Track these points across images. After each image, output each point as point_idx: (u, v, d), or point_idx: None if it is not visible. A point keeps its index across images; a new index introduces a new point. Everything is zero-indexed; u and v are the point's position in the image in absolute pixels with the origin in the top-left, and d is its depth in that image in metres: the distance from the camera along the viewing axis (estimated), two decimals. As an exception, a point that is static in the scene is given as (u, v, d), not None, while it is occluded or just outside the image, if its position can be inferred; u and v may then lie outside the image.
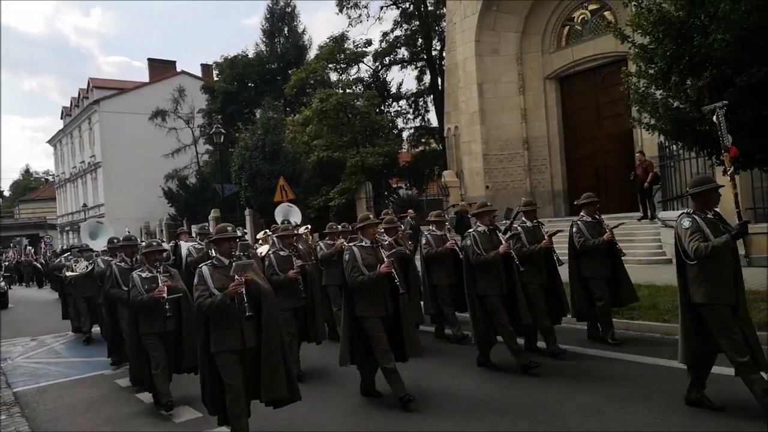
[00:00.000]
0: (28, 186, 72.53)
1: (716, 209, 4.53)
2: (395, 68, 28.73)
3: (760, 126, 6.36)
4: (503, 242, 5.99)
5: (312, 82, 25.31)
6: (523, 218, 6.76)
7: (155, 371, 5.59)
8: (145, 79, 45.02)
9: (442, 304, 7.58)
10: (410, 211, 15.35)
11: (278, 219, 11.39)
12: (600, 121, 17.75)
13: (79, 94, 45.50)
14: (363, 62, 26.81)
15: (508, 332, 5.88)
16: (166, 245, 8.06)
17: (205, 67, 42.28)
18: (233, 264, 4.33)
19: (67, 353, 9.61)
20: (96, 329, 9.99)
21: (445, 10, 21.90)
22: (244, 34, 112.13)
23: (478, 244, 5.98)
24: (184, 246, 9.23)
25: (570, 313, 6.93)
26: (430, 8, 26.79)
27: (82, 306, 10.16)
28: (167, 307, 5.35)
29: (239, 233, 5.43)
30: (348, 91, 24.02)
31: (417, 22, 27.02)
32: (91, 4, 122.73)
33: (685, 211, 4.57)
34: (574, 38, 17.97)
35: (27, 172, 79.46)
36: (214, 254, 8.13)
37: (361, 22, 27.75)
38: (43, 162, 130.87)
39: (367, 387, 5.53)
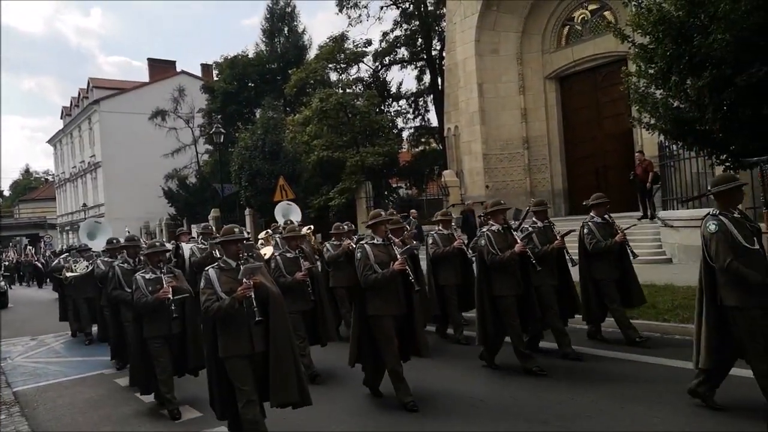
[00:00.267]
0: (28, 186, 72.56)
1: (740, 207, 4.39)
2: (395, 68, 28.76)
3: (761, 125, 6.37)
4: (518, 241, 5.85)
5: (312, 81, 25.30)
6: (534, 218, 6.64)
7: (161, 377, 5.47)
8: (145, 79, 45.03)
9: (449, 306, 7.52)
10: (413, 210, 15.33)
11: (278, 218, 11.29)
12: (600, 120, 17.75)
13: (79, 94, 45.50)
14: (363, 62, 26.83)
15: (518, 335, 5.83)
16: (168, 246, 7.97)
17: (205, 67, 42.28)
18: (241, 267, 4.21)
19: (66, 353, 9.61)
20: (94, 329, 9.91)
21: (445, 10, 21.89)
22: (244, 34, 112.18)
23: (493, 244, 5.83)
24: (186, 247, 9.10)
25: (581, 314, 6.84)
26: (430, 8, 26.78)
27: (83, 307, 10.07)
28: (173, 308, 5.21)
29: (246, 234, 5.40)
30: (348, 90, 24.01)
31: (417, 22, 27.01)
32: (91, 4, 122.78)
33: (711, 212, 4.40)
34: (574, 38, 17.97)
35: (27, 172, 79.53)
36: (218, 254, 8.16)
37: (361, 22, 27.77)
38: (42, 162, 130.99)
39: (372, 384, 5.47)
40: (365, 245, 5.25)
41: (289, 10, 31.07)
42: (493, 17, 18.53)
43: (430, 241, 7.71)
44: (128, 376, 6.17)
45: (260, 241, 9.13)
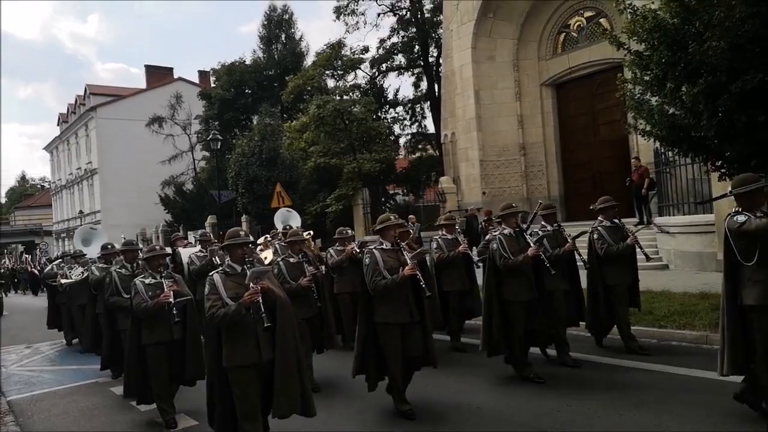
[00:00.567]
0: (24, 193, 72.33)
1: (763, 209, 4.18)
2: (392, 75, 28.84)
3: (755, 132, 6.39)
4: (531, 245, 5.68)
5: (309, 88, 25.35)
6: (543, 222, 6.50)
7: (156, 386, 5.32)
8: (142, 85, 45.06)
9: (452, 312, 7.41)
10: (411, 216, 15.33)
11: (277, 224, 11.21)
12: (596, 127, 17.83)
13: (75, 101, 45.50)
14: (360, 69, 26.88)
15: (522, 343, 5.76)
16: (168, 250, 7.84)
17: (203, 74, 42.33)
18: (249, 271, 4.05)
19: (61, 361, 9.54)
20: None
21: (441, 17, 22.00)
22: (241, 41, 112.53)
23: (505, 248, 5.69)
24: (184, 252, 8.93)
25: (585, 322, 6.69)
26: (426, 15, 26.91)
27: (77, 315, 9.79)
28: (175, 311, 5.04)
29: (252, 238, 5.29)
30: (345, 97, 24.04)
31: (414, 29, 27.13)
32: (88, 10, 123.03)
33: (735, 210, 4.21)
34: (570, 45, 18.06)
35: (23, 179, 79.31)
36: (217, 261, 8.08)
37: (358, 29, 27.94)
38: (39, 169, 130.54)
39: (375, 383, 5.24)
40: (374, 250, 5.06)
41: (286, 17, 31.21)
42: (490, 24, 18.63)
43: (435, 245, 7.54)
44: (123, 384, 5.94)
45: (259, 247, 9.03)
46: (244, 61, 30.30)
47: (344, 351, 7.01)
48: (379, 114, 26.89)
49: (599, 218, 6.65)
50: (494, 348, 5.83)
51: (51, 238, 50.66)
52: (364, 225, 20.31)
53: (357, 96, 25.13)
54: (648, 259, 6.60)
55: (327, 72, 25.71)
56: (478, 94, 18.74)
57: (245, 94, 29.90)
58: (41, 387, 7.59)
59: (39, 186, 73.65)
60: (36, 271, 26.93)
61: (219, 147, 22.64)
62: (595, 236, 6.52)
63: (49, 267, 13.03)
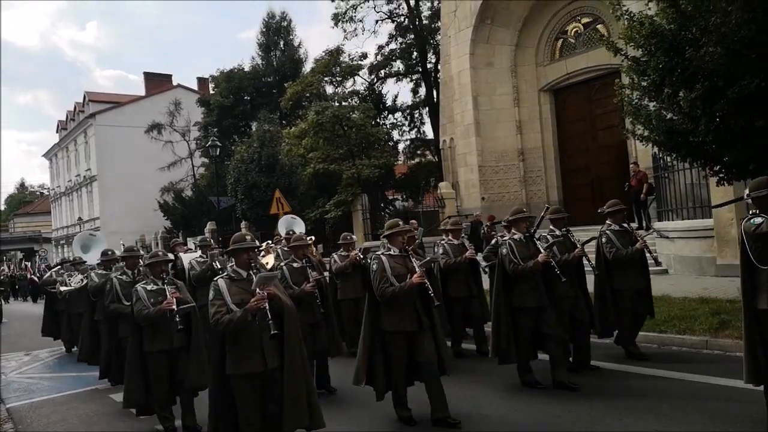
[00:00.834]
0: (23, 200, 72.28)
1: None
2: (390, 81, 28.97)
3: (753, 137, 6.42)
4: (542, 251, 5.57)
5: (308, 95, 25.44)
6: (551, 226, 6.34)
7: (158, 393, 5.24)
8: (141, 92, 45.18)
9: (455, 319, 7.31)
10: (413, 221, 15.34)
11: (281, 231, 11.15)
12: (594, 132, 17.88)
13: (74, 108, 45.56)
14: (358, 75, 27.00)
15: (529, 349, 5.71)
16: (171, 256, 7.73)
17: (202, 81, 42.45)
18: (256, 276, 3.93)
19: (61, 368, 9.51)
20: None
21: (439, 23, 22.09)
22: (240, 48, 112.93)
23: (515, 253, 5.57)
24: (185, 258, 8.81)
25: (594, 331, 6.44)
26: (424, 22, 27.06)
27: (76, 322, 9.55)
28: (177, 319, 4.90)
29: (258, 243, 5.07)
30: (344, 103, 24.14)
31: (412, 36, 27.26)
32: (87, 18, 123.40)
33: (752, 212, 4.16)
34: (568, 51, 18.15)
35: (22, 186, 79.31)
36: (217, 266, 8.05)
37: (356, 35, 28.22)
38: (38, 176, 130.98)
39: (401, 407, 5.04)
40: (381, 256, 4.93)
41: (285, 24, 31.39)
42: (487, 31, 18.71)
43: (441, 251, 7.39)
44: (123, 393, 5.75)
45: (261, 252, 9.00)
46: (243, 68, 30.42)
47: (350, 358, 6.97)
48: (378, 120, 26.96)
49: (607, 222, 6.51)
50: (504, 355, 5.69)
51: (50, 245, 50.60)
52: (363, 231, 20.32)
53: (356, 102, 25.23)
54: (657, 264, 6.45)
55: (326, 78, 25.81)
56: (477, 100, 18.80)
57: (244, 100, 30.00)
58: (40, 394, 7.58)
59: (38, 193, 73.64)
60: (35, 278, 26.91)
61: (218, 153, 22.65)
62: (603, 240, 6.41)
63: (48, 274, 12.92)
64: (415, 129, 29.23)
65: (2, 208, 72.74)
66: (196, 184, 31.95)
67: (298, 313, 5.01)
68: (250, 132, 28.07)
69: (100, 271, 8.16)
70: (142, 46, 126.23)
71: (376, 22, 27.86)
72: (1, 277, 30.22)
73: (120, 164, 38.64)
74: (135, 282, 5.85)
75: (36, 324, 14.54)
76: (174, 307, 4.95)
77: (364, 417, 5.32)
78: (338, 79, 26.22)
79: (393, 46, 27.82)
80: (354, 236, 8.30)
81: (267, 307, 3.77)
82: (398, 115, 28.99)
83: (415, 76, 28.25)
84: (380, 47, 28.07)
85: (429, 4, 27.03)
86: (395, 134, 28.57)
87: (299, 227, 11.27)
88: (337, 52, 25.53)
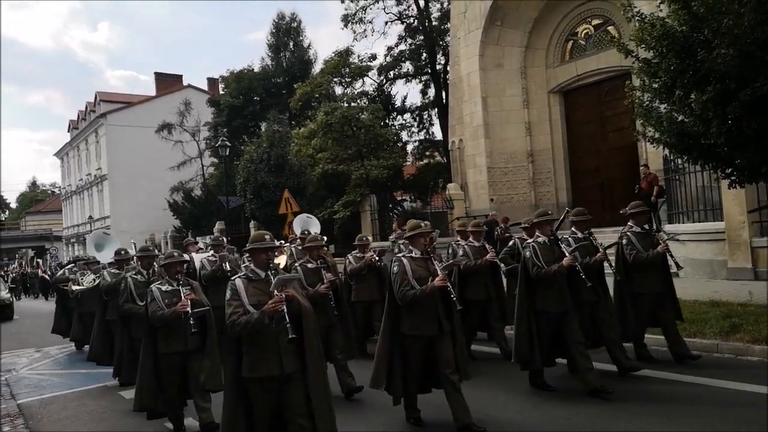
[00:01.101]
0: (35, 198, 73.02)
1: None
2: (400, 82, 29.00)
3: (765, 139, 6.37)
4: (567, 254, 5.47)
5: (317, 95, 25.49)
6: (573, 228, 6.26)
7: (169, 394, 5.21)
8: (152, 92, 45.52)
9: (471, 322, 7.17)
10: (427, 222, 15.31)
11: (297, 230, 11.05)
12: (604, 134, 17.77)
13: (86, 108, 45.98)
14: (368, 76, 26.99)
15: (546, 353, 5.62)
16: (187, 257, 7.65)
17: (212, 81, 42.68)
18: (275, 277, 3.83)
19: (71, 365, 9.60)
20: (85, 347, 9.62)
21: (449, 25, 22.08)
22: (250, 49, 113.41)
23: (539, 256, 5.47)
24: (197, 258, 8.78)
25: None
26: (434, 23, 27.02)
27: (88, 321, 9.45)
28: (192, 322, 4.82)
29: (277, 243, 5.05)
30: (353, 104, 24.16)
31: (421, 37, 27.23)
32: (99, 18, 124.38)
33: None
34: (578, 53, 18.07)
35: (33, 185, 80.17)
36: (227, 267, 8.05)
37: (366, 36, 28.12)
38: (49, 175, 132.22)
39: (412, 413, 5.03)
40: (402, 258, 4.85)
41: (294, 25, 31.48)
42: (497, 32, 18.67)
43: (461, 252, 7.25)
44: (134, 392, 5.65)
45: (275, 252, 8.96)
46: (253, 69, 30.53)
47: (362, 360, 6.95)
48: (387, 121, 26.97)
49: (629, 223, 6.40)
50: (526, 360, 5.59)
51: (61, 243, 51.05)
52: (372, 231, 20.32)
53: (365, 103, 25.25)
54: (678, 268, 6.31)
55: (335, 79, 25.85)
56: (486, 101, 18.76)
57: (254, 101, 30.11)
58: (51, 390, 7.65)
59: (49, 192, 74.36)
60: (46, 276, 27.15)
61: (227, 153, 22.78)
62: (624, 242, 6.30)
63: (61, 272, 12.86)
64: (424, 130, 29.21)
65: (12, 206, 73.44)
66: (206, 184, 32.11)
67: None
68: (259, 132, 28.19)
69: (112, 270, 8.12)
70: (153, 47, 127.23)
71: (386, 23, 27.89)
72: (13, 275, 30.54)
73: (130, 164, 38.93)
74: (149, 282, 5.82)
75: (46, 321, 14.68)
76: (188, 309, 4.88)
77: (377, 420, 5.29)
78: (347, 80, 26.25)
79: (402, 47, 27.81)
80: (369, 237, 8.21)
81: (285, 310, 3.68)
82: (407, 116, 28.98)
83: (424, 78, 28.23)
84: (389, 48, 28.07)
85: (438, 6, 26.99)
86: (404, 135, 28.57)
87: (315, 227, 11.12)
88: (347, 53, 25.57)
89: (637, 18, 7.21)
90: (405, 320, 4.78)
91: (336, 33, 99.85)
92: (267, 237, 4.15)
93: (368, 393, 5.74)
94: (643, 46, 7.10)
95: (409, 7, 27.36)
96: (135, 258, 7.74)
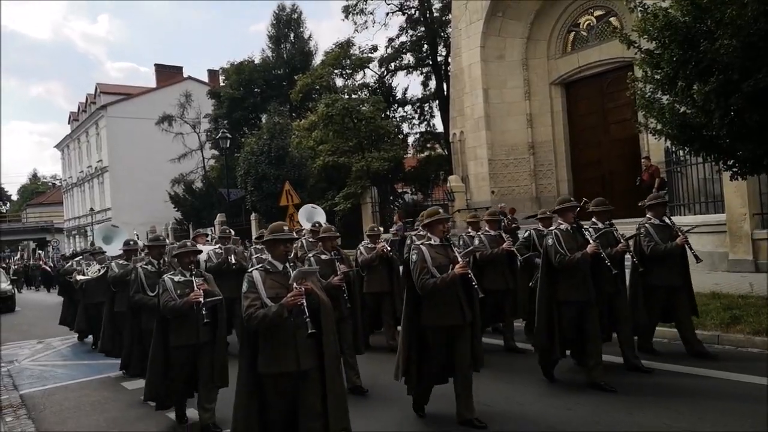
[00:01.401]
0: (36, 190, 72.99)
1: None
2: (401, 74, 28.80)
3: (767, 131, 6.34)
4: (591, 242, 5.31)
5: (318, 87, 25.42)
6: (594, 219, 6.08)
7: (177, 386, 5.17)
8: (152, 84, 45.36)
9: (486, 312, 6.93)
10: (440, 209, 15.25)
11: (302, 221, 10.93)
12: (606, 126, 17.73)
13: (86, 100, 45.88)
14: (369, 68, 26.90)
15: (564, 344, 5.54)
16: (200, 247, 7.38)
17: (212, 73, 42.54)
18: (294, 270, 3.71)
19: (73, 356, 9.65)
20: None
21: (450, 16, 21.96)
22: (250, 40, 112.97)
23: (562, 244, 5.33)
24: (204, 249, 8.56)
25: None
26: (435, 14, 26.87)
27: (93, 312, 9.49)
28: (204, 312, 4.73)
29: (295, 234, 4.87)
30: (354, 96, 24.08)
31: (422, 28, 27.10)
32: (99, 11, 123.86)
33: None
34: (580, 44, 17.98)
35: (34, 177, 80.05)
36: (233, 260, 8.00)
37: (366, 28, 28.04)
38: (50, 167, 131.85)
39: (419, 404, 4.99)
40: (421, 246, 4.68)
41: (295, 16, 31.32)
42: (499, 23, 18.57)
43: (477, 242, 7.15)
44: (137, 384, 5.85)
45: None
46: (253, 60, 30.41)
47: (373, 353, 6.92)
48: (388, 113, 26.88)
49: (648, 215, 6.33)
50: (546, 351, 5.52)
51: (62, 236, 51.08)
52: (373, 223, 20.33)
53: (365, 95, 25.18)
54: (698, 261, 6.20)
55: (336, 71, 25.77)
56: (487, 93, 18.70)
57: (254, 92, 30.02)
58: (53, 381, 7.70)
59: (50, 184, 74.34)
60: (48, 268, 27.22)
61: (228, 145, 22.75)
62: (642, 233, 6.22)
63: (69, 263, 12.56)
64: (425, 122, 29.15)
65: (13, 198, 73.49)
66: (206, 176, 32.09)
67: None
68: (260, 124, 28.11)
69: (120, 261, 8.02)
70: (153, 39, 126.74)
71: (387, 14, 27.79)
72: (15, 267, 30.62)
73: (131, 155, 38.90)
74: (160, 272, 5.76)
75: (48, 313, 14.75)
76: (201, 299, 4.80)
77: (386, 415, 5.20)
78: (348, 71, 26.17)
79: (403, 38, 27.69)
80: (380, 228, 8.11)
81: (304, 304, 3.55)
82: (408, 108, 28.90)
83: (425, 69, 28.12)
84: (391, 40, 27.95)
85: (440, -4, 26.86)
86: (405, 127, 28.52)
87: (320, 217, 10.96)
88: (348, 44, 25.47)
89: (639, 8, 7.15)
90: (425, 311, 4.65)
91: (337, 26, 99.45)
92: (285, 228, 4.02)
93: (372, 388, 5.80)
94: (646, 36, 7.06)
95: (410, -3, 27.22)
96: (144, 248, 7.68)
